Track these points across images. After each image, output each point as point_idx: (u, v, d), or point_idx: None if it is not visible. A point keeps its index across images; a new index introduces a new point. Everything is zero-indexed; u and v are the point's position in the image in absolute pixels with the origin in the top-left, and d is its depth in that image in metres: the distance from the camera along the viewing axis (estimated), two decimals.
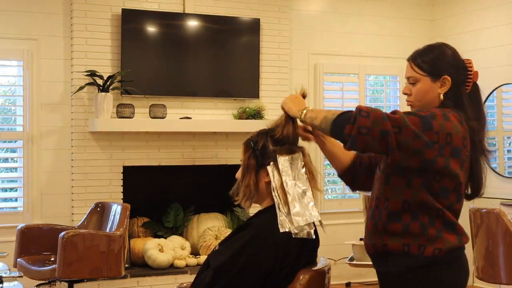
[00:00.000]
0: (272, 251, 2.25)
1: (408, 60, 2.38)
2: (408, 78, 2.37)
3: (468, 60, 2.36)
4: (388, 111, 2.18)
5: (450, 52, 2.35)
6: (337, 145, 2.53)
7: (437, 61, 2.31)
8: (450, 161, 2.18)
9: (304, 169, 2.38)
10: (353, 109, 2.15)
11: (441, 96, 2.29)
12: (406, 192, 2.22)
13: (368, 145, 2.11)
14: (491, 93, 6.05)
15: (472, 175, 2.32)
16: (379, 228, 2.28)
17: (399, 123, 2.10)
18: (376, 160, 2.50)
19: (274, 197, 2.33)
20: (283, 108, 2.39)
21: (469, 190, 2.36)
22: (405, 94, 2.40)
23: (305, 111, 2.30)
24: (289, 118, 2.39)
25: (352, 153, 2.56)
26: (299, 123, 2.41)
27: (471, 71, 2.33)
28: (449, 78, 2.29)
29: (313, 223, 2.35)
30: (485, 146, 2.32)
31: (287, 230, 2.28)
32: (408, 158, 2.15)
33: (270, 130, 2.41)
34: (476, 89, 2.36)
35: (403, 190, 2.23)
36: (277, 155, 2.36)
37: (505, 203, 5.40)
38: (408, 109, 2.42)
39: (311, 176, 2.41)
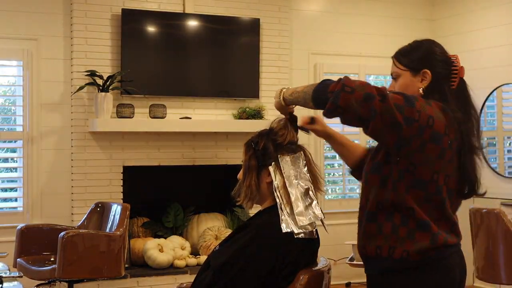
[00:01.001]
0: (273, 251, 2.25)
1: (392, 57, 2.38)
2: (391, 74, 2.37)
3: (455, 55, 2.33)
4: None
5: (434, 47, 2.34)
6: (346, 141, 2.54)
7: (417, 56, 2.31)
8: (426, 145, 2.12)
9: (306, 168, 2.39)
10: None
11: (420, 91, 2.26)
12: (380, 191, 2.18)
13: (350, 104, 2.05)
14: (491, 93, 6.05)
15: (462, 171, 2.22)
16: (360, 230, 2.27)
17: (383, 92, 2.08)
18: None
19: (276, 198, 2.33)
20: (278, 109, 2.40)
21: (465, 188, 2.27)
22: (389, 91, 2.34)
23: (283, 91, 2.32)
24: (290, 122, 2.39)
25: (362, 149, 2.55)
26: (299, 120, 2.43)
27: (455, 66, 2.29)
28: (429, 72, 2.27)
29: (314, 223, 2.35)
30: (472, 142, 2.24)
31: (289, 230, 2.28)
32: (386, 131, 2.09)
33: (271, 132, 2.41)
34: (463, 85, 2.31)
35: (378, 189, 2.18)
36: (279, 155, 2.36)
37: (505, 203, 5.40)
38: None
39: (313, 176, 2.41)
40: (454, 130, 2.18)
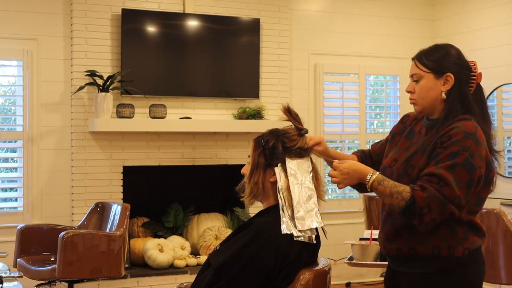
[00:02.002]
0: (273, 251, 2.25)
1: (413, 59, 2.41)
2: (412, 75, 2.40)
3: (473, 61, 2.40)
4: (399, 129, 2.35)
5: (455, 52, 2.38)
6: (341, 156, 2.61)
7: (441, 59, 2.35)
8: (489, 175, 2.34)
9: (311, 174, 2.39)
10: (412, 202, 2.21)
11: (443, 94, 2.33)
12: None
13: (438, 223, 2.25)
14: (491, 93, 6.05)
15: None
16: (404, 233, 2.35)
17: (455, 194, 2.20)
18: (380, 158, 2.53)
19: (279, 199, 2.33)
20: (333, 181, 2.39)
21: None
22: (408, 92, 2.42)
23: (370, 180, 2.31)
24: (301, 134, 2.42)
25: (353, 156, 2.65)
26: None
27: (475, 72, 2.36)
28: (452, 75, 2.33)
29: (316, 228, 2.36)
30: (492, 146, 2.37)
31: (289, 232, 2.28)
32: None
33: (284, 134, 2.40)
34: (479, 90, 2.39)
35: None
36: (286, 158, 2.36)
37: (505, 203, 5.40)
38: (411, 107, 2.46)
39: (317, 183, 2.42)
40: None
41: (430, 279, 2.31)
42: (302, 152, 2.40)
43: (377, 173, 2.31)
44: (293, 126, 2.43)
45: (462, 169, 2.21)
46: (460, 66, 2.35)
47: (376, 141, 2.80)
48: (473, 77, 2.36)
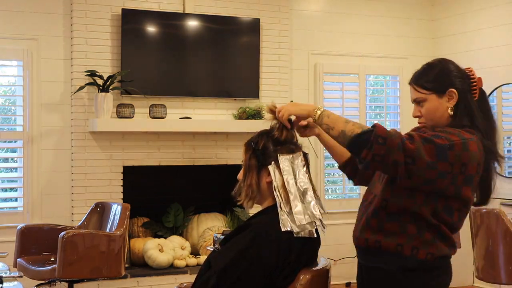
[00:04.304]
0: (274, 251, 2.25)
1: (410, 83, 2.38)
2: (414, 100, 2.37)
3: (469, 68, 2.36)
4: (397, 125, 2.21)
5: (450, 65, 2.35)
6: (333, 142, 2.56)
7: (439, 77, 2.32)
8: (462, 189, 2.22)
9: (305, 168, 2.39)
10: (370, 127, 2.15)
11: (449, 111, 2.30)
12: (406, 201, 2.25)
13: (380, 170, 2.20)
14: (491, 93, 6.05)
15: (480, 183, 2.33)
16: (373, 224, 2.30)
17: (413, 153, 2.11)
18: None
19: (275, 197, 2.33)
20: (279, 115, 2.38)
21: (476, 198, 2.38)
22: (415, 117, 2.38)
23: (319, 112, 2.28)
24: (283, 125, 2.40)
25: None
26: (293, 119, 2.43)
27: (474, 78, 2.33)
28: (454, 90, 2.29)
29: (315, 222, 2.36)
30: (497, 151, 2.35)
31: (288, 229, 2.28)
32: (419, 186, 2.19)
33: (270, 131, 2.42)
34: (483, 95, 2.36)
35: (404, 199, 2.25)
36: (278, 155, 2.37)
37: (505, 203, 5.40)
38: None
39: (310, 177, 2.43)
40: (483, 158, 2.27)
41: (391, 277, 2.28)
42: (293, 147, 2.40)
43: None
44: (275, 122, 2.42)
45: (434, 149, 2.14)
46: (459, 78, 2.31)
47: None
48: (474, 84, 2.32)
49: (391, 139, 2.10)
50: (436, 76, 2.32)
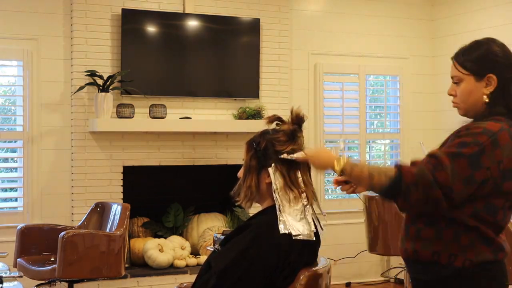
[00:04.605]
0: (274, 251, 2.25)
1: (452, 58, 2.27)
2: (452, 77, 2.25)
3: None
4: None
5: (497, 48, 2.23)
6: None
7: (482, 59, 2.20)
8: (503, 186, 2.10)
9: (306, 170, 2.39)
10: (396, 173, 2.04)
11: (485, 98, 2.17)
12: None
13: (421, 211, 2.12)
14: None
15: None
16: (411, 233, 2.21)
17: (448, 183, 2.01)
18: None
19: (274, 199, 2.33)
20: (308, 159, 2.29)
21: None
22: (450, 95, 2.27)
23: (338, 169, 2.16)
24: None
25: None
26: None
27: None
28: (494, 76, 2.16)
29: (314, 223, 2.35)
30: None
31: (287, 232, 2.28)
32: (464, 203, 2.09)
33: (274, 138, 2.37)
34: None
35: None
36: (279, 157, 2.36)
37: None
38: (454, 111, 2.29)
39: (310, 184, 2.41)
40: None
41: (429, 287, 2.18)
42: (295, 150, 2.38)
43: (346, 157, 2.16)
44: (285, 129, 2.38)
45: (466, 162, 2.02)
46: (503, 64, 2.18)
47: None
48: None
49: (423, 181, 2.00)
50: (479, 57, 2.20)
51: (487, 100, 2.17)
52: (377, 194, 2.15)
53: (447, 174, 2.01)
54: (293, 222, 2.29)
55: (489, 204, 2.10)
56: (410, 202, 2.03)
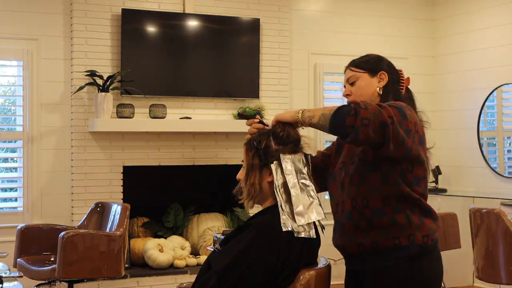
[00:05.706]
0: (275, 251, 2.25)
1: (347, 67, 2.62)
2: (347, 80, 2.57)
3: (400, 69, 2.60)
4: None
5: (385, 59, 2.59)
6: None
7: (374, 61, 2.56)
8: (419, 148, 2.34)
9: (306, 168, 2.39)
10: (347, 104, 2.25)
11: (378, 90, 2.50)
12: (384, 188, 2.33)
13: (369, 136, 2.17)
14: (491, 93, 6.05)
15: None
16: (362, 226, 2.35)
17: (390, 113, 2.21)
18: (329, 162, 2.57)
19: (276, 196, 2.33)
20: (279, 121, 2.43)
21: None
22: (345, 96, 2.56)
23: (301, 111, 2.36)
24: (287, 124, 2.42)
25: (318, 160, 2.64)
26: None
27: (402, 76, 2.58)
28: (385, 73, 2.52)
29: (314, 223, 2.36)
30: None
31: (289, 229, 2.28)
32: (396, 149, 2.24)
33: (272, 130, 2.41)
34: (410, 94, 2.58)
35: (381, 187, 2.33)
36: (280, 154, 2.36)
37: (505, 203, 5.40)
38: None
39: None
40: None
41: (395, 270, 2.32)
42: (295, 148, 2.40)
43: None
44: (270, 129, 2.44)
45: (396, 110, 2.25)
46: (391, 68, 2.56)
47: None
48: (402, 80, 2.56)
49: (370, 105, 2.20)
50: (372, 59, 2.57)
51: (380, 93, 2.51)
52: (325, 123, 2.26)
53: (390, 109, 2.24)
54: (296, 216, 2.30)
55: (415, 177, 2.35)
56: (361, 116, 2.14)
